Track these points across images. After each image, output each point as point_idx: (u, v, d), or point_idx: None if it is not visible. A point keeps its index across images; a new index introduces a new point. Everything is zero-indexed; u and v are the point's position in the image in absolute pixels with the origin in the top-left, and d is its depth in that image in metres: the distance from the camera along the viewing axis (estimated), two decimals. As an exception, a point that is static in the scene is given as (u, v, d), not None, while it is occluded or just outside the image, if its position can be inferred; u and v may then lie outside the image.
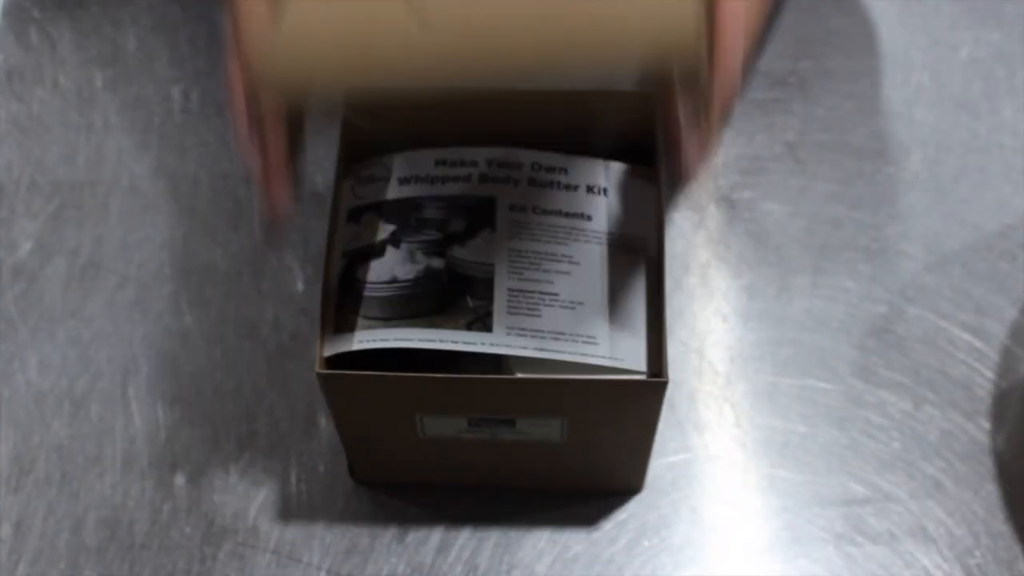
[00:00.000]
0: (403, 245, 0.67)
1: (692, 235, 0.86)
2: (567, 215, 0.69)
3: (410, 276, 0.66)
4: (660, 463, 0.78)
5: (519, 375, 0.67)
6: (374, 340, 0.65)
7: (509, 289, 0.66)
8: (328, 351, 0.65)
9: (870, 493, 0.77)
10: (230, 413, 0.80)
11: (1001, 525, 0.76)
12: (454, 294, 0.66)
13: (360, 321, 0.65)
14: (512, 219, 0.68)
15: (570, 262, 0.67)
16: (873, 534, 0.76)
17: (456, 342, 0.64)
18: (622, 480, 0.77)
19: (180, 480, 0.78)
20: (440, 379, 0.64)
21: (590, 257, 0.68)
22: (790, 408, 0.80)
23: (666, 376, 0.63)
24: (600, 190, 0.70)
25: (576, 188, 0.70)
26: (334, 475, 0.78)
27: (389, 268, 0.67)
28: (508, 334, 0.65)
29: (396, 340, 0.65)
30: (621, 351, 0.65)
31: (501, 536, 0.76)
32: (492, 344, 0.64)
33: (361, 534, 0.76)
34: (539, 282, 0.67)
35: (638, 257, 0.68)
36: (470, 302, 0.66)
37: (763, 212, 0.87)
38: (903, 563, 0.75)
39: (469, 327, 0.65)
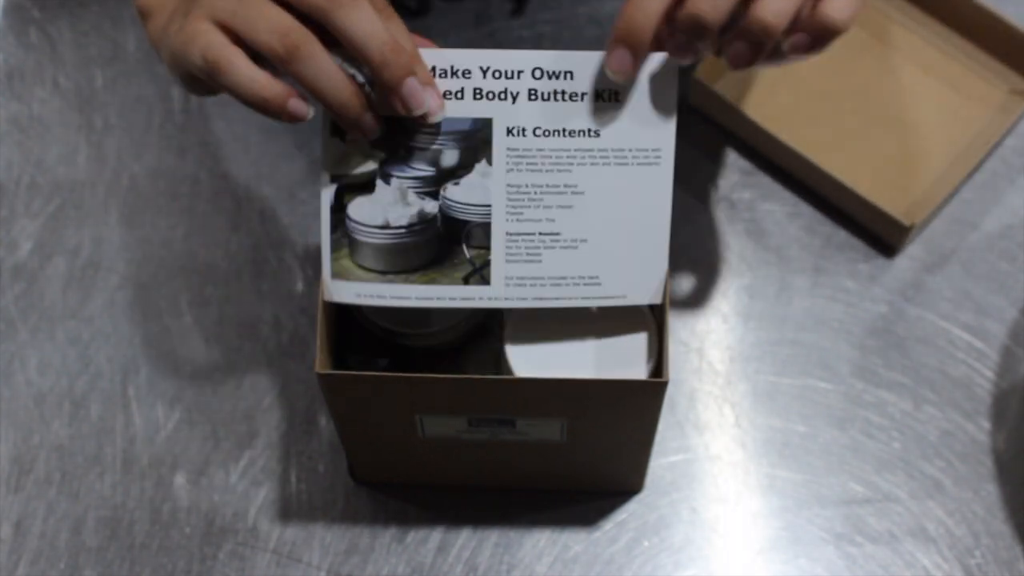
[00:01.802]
0: (393, 182, 0.64)
1: (692, 235, 0.86)
2: (571, 133, 0.63)
3: (403, 222, 0.64)
4: (660, 463, 0.78)
5: (519, 375, 0.68)
6: (371, 296, 0.64)
7: (507, 234, 0.63)
8: (328, 295, 0.64)
9: (870, 493, 0.77)
10: (230, 413, 0.80)
11: (1001, 525, 0.76)
12: (450, 242, 0.64)
13: (356, 271, 0.64)
14: (510, 147, 0.63)
15: (573, 192, 0.64)
16: (873, 534, 0.76)
17: (455, 299, 0.63)
18: (622, 480, 0.77)
19: (180, 480, 0.78)
20: (440, 379, 0.64)
21: (596, 183, 0.63)
22: (790, 408, 0.80)
23: (666, 376, 0.63)
24: (610, 95, 0.63)
25: (583, 97, 0.63)
26: (334, 475, 0.78)
27: (381, 210, 0.64)
28: (507, 285, 0.63)
29: (393, 298, 0.64)
30: (625, 285, 0.63)
31: (501, 536, 0.76)
32: (491, 299, 0.63)
33: (361, 534, 0.76)
34: (539, 221, 0.64)
35: (652, 172, 0.63)
36: (467, 252, 0.63)
37: (763, 212, 0.87)
38: (903, 563, 0.75)
39: (467, 281, 0.63)
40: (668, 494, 0.78)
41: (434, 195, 0.63)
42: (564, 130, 0.63)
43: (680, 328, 0.83)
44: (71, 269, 0.85)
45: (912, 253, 0.85)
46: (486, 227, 0.63)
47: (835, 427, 0.80)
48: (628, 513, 0.77)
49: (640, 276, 0.64)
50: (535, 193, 0.63)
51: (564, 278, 0.63)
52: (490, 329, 0.76)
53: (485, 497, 0.77)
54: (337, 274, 0.64)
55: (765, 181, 0.88)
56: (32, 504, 0.78)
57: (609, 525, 0.77)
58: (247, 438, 0.79)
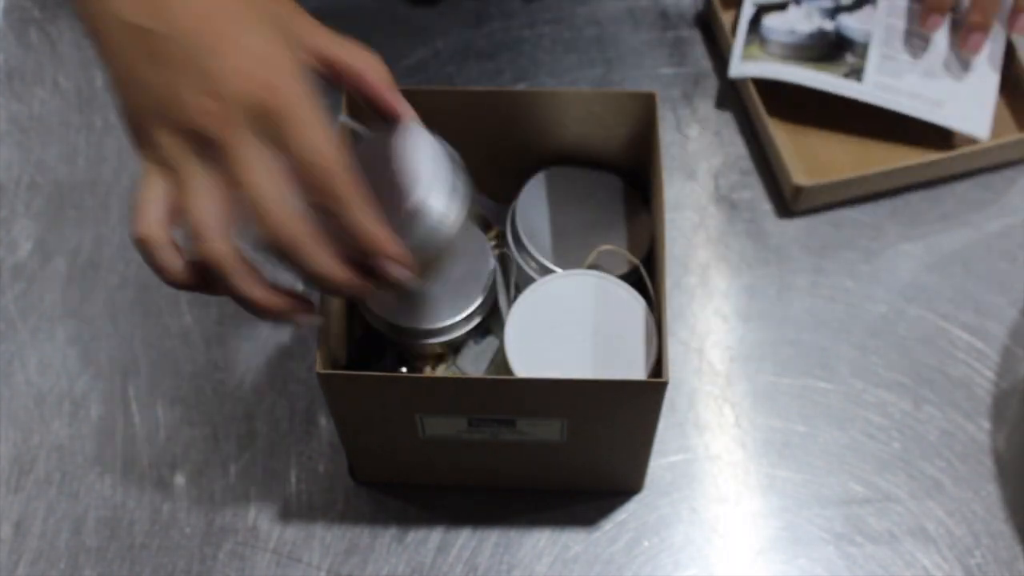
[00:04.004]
0: (804, 5, 0.89)
1: (692, 235, 0.86)
2: None
3: (806, 31, 0.88)
4: (660, 463, 0.78)
5: (519, 375, 0.68)
6: (770, 71, 0.86)
7: (881, 54, 0.86)
8: (736, 72, 0.88)
9: (870, 493, 0.78)
10: (230, 413, 0.80)
11: (1001, 525, 0.76)
12: (838, 50, 0.88)
13: (763, 55, 0.88)
14: (893, 2, 0.88)
15: (927, 42, 0.87)
16: (873, 534, 0.76)
17: (833, 85, 0.86)
18: (622, 480, 0.77)
19: (180, 480, 0.78)
20: (440, 379, 0.64)
21: (941, 34, 0.87)
22: (790, 408, 0.80)
23: (666, 376, 0.63)
24: None
25: None
26: (334, 475, 0.78)
27: (790, 21, 0.88)
28: (875, 87, 0.86)
29: (788, 75, 0.86)
30: (960, 117, 0.85)
31: (501, 536, 0.76)
32: (860, 92, 0.86)
33: (361, 534, 0.76)
34: (904, 52, 0.87)
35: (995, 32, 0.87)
36: (849, 58, 0.87)
37: (763, 212, 0.87)
38: (903, 563, 0.75)
39: (846, 76, 0.86)
40: (668, 494, 0.78)
41: (831, 18, 0.88)
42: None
43: (680, 328, 0.83)
44: (71, 269, 0.85)
45: (912, 253, 0.85)
46: (866, 46, 0.87)
47: (835, 427, 0.80)
48: (628, 513, 0.77)
49: (973, 109, 0.85)
50: (905, 37, 0.87)
51: (918, 96, 0.86)
52: (490, 329, 0.76)
53: (485, 497, 0.77)
54: (747, 58, 0.88)
55: (765, 181, 0.88)
56: (32, 504, 0.78)
57: (609, 525, 0.77)
58: (247, 438, 0.79)
